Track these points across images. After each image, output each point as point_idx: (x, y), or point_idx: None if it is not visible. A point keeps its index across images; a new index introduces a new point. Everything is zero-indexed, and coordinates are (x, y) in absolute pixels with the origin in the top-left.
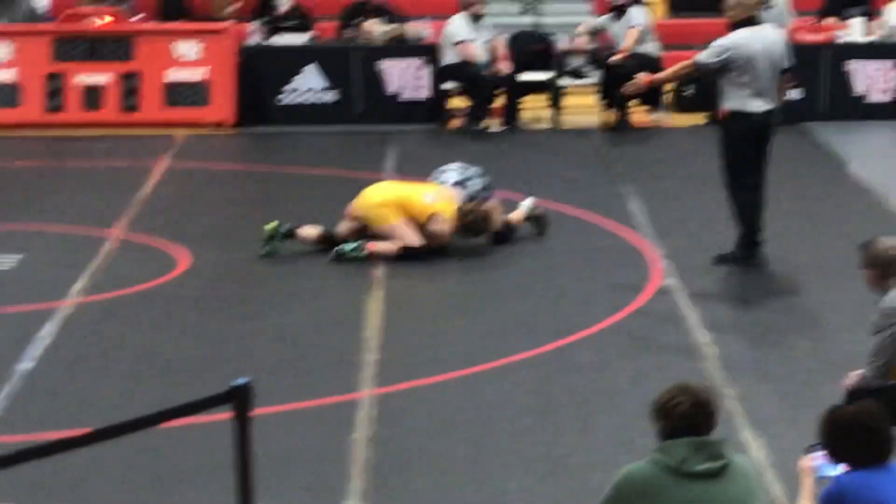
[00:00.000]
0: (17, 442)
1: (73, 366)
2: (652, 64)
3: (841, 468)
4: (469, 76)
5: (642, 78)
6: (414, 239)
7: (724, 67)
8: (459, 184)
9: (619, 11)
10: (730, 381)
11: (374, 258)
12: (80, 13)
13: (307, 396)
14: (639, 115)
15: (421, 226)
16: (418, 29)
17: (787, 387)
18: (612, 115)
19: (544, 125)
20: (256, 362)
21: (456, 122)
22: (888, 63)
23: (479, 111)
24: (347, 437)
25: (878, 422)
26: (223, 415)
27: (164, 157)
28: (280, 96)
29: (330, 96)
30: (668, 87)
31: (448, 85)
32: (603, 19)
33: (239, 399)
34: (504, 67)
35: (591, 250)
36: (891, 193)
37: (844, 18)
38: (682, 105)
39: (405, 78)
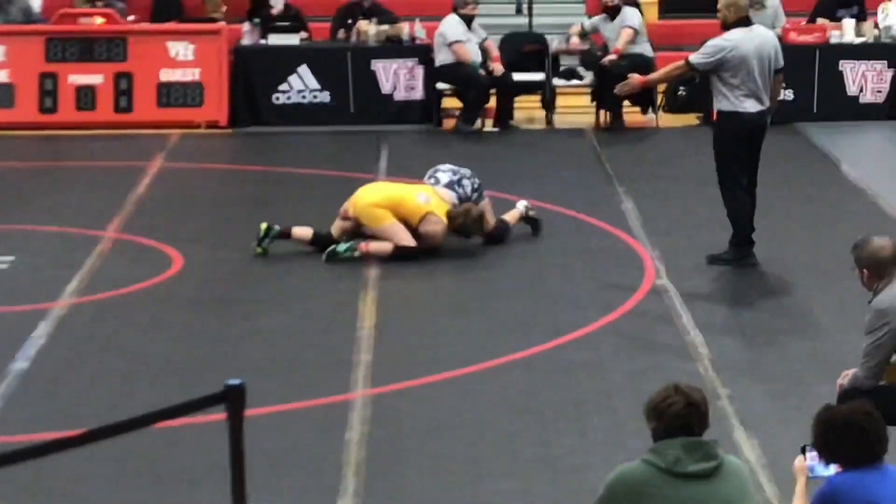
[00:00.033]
0: (11, 442)
1: (66, 366)
2: (645, 64)
3: (833, 468)
4: (462, 76)
5: (635, 78)
6: (407, 239)
7: (717, 68)
8: (452, 185)
9: (613, 12)
10: (723, 382)
11: (367, 258)
12: (74, 13)
13: (301, 396)
14: (632, 115)
15: (414, 226)
16: (412, 29)
17: (780, 387)
18: (605, 116)
19: (537, 125)
20: (250, 362)
21: (449, 123)
22: (880, 64)
23: (472, 112)
24: (341, 438)
25: (871, 422)
26: (217, 415)
27: (158, 158)
28: (274, 96)
29: (323, 97)
30: (661, 87)
31: (441, 85)
32: (596, 20)
33: (233, 399)
34: (497, 68)
35: (584, 251)
36: (883, 194)
37: (837, 19)
38: (674, 105)
39: (399, 78)
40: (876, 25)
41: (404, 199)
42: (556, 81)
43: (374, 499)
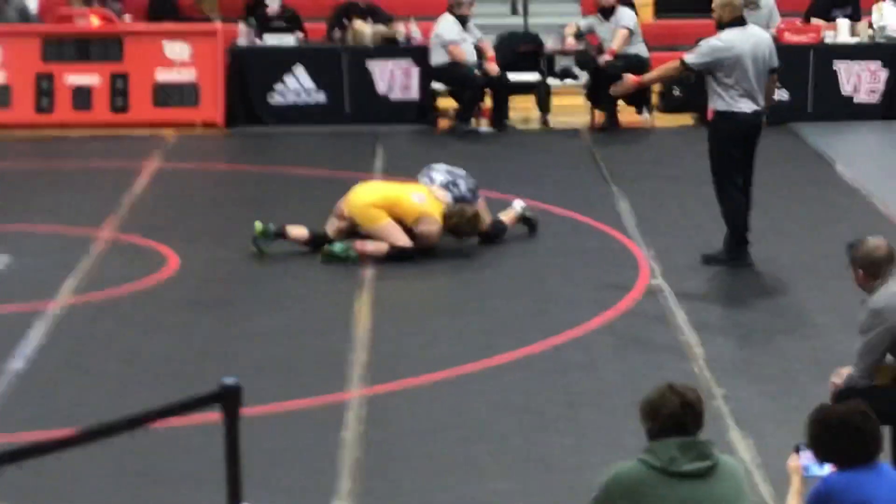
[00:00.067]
0: (8, 442)
1: (63, 366)
2: (641, 65)
3: (828, 468)
4: (458, 77)
5: (630, 79)
6: (403, 239)
7: (712, 68)
8: (447, 185)
9: (608, 12)
10: (717, 382)
11: (362, 258)
12: (70, 14)
13: (296, 396)
14: (627, 115)
15: (409, 226)
16: (407, 29)
17: (775, 387)
18: (600, 116)
19: (533, 126)
20: (246, 362)
21: (445, 123)
22: (875, 64)
23: (467, 112)
24: (337, 437)
25: (866, 422)
26: (213, 415)
27: (154, 158)
28: (270, 97)
29: (319, 97)
30: (656, 87)
31: (437, 85)
32: (591, 20)
33: (228, 399)
34: (492, 68)
35: (579, 251)
36: (878, 193)
37: (831, 19)
38: (669, 105)
39: (394, 78)
40: (870, 25)
41: (399, 198)
42: (552, 82)
43: (370, 499)
